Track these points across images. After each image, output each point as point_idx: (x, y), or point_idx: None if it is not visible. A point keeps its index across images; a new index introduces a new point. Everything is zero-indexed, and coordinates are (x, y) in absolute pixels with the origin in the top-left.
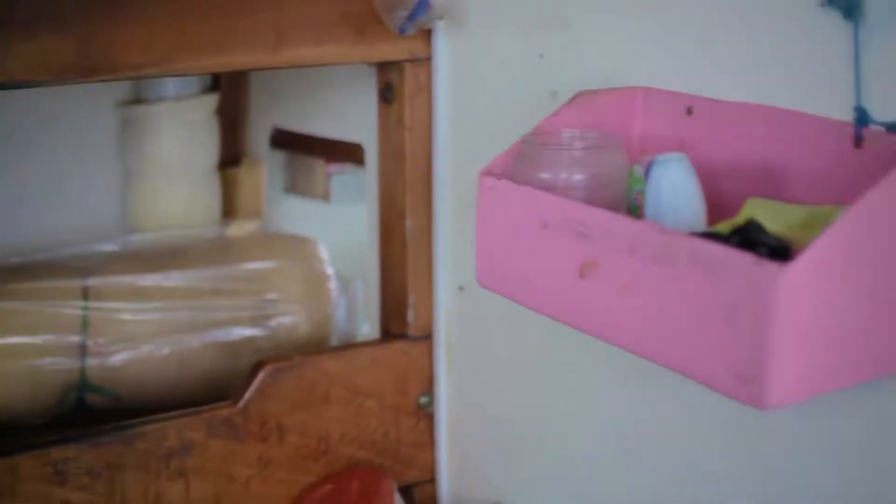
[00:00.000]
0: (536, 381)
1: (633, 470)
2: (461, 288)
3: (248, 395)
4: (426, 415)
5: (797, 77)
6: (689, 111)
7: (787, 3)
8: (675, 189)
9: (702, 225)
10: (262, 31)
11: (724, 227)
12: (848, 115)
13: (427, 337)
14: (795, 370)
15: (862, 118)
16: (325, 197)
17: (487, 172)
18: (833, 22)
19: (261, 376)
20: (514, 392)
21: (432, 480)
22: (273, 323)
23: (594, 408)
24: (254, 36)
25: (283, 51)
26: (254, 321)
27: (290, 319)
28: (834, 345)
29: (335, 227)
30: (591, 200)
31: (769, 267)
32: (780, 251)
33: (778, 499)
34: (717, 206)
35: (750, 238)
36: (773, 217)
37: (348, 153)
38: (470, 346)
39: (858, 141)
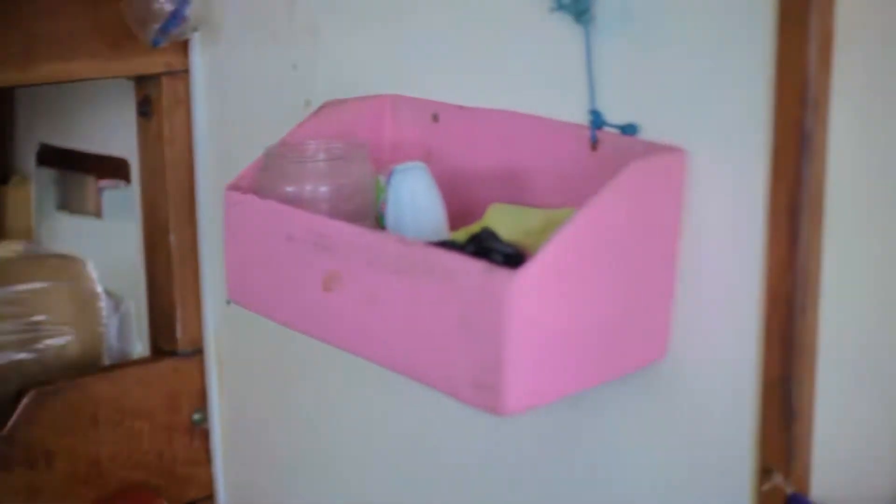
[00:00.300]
0: (303, 391)
1: (399, 476)
2: (229, 301)
3: (11, 422)
4: (201, 431)
5: (537, 82)
6: (436, 118)
7: (522, 9)
8: (415, 198)
9: (443, 233)
10: (11, 47)
11: (461, 234)
12: (585, 119)
13: (197, 352)
14: (532, 376)
15: (597, 121)
16: (98, 214)
17: (234, 186)
18: (566, 26)
19: (25, 402)
20: (284, 403)
21: (210, 497)
22: (42, 346)
23: (357, 417)
24: (1, 53)
25: (33, 67)
26: (22, 345)
27: (59, 341)
28: (571, 348)
29: (109, 244)
30: (337, 212)
31: (500, 274)
32: (514, 258)
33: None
34: (466, 211)
35: (484, 246)
36: (514, 222)
37: (117, 168)
38: (240, 359)
39: (594, 143)
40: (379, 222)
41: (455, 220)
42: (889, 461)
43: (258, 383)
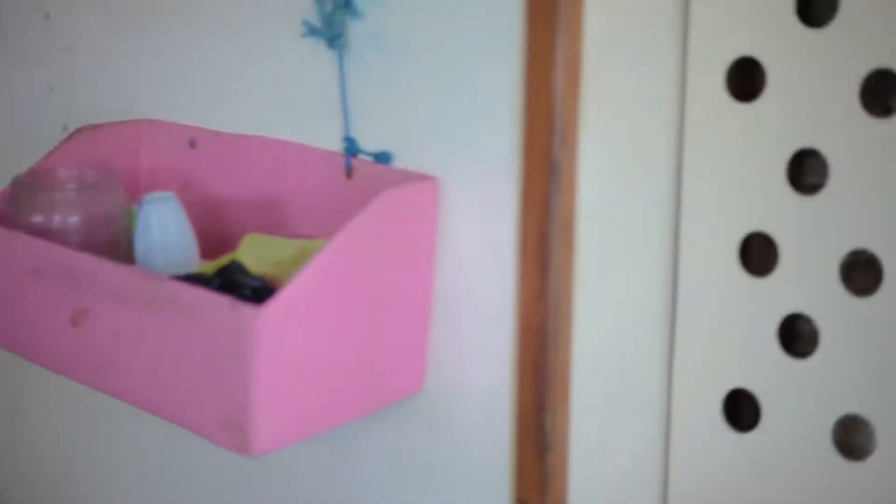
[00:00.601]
0: (51, 425)
1: None
2: None
3: None
4: None
5: (294, 108)
6: (193, 144)
7: (278, 33)
8: (164, 230)
9: (194, 266)
10: None
11: (210, 267)
12: (341, 146)
13: None
14: (283, 414)
15: (351, 148)
16: None
17: None
18: (321, 52)
19: None
20: (45, 440)
21: None
22: None
23: (109, 452)
24: None
25: None
26: None
27: None
28: (324, 383)
29: None
30: (88, 243)
31: (245, 310)
32: (263, 292)
33: None
34: (225, 241)
35: (233, 280)
36: (267, 253)
37: None
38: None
39: (349, 172)
40: (132, 254)
41: (214, 250)
42: (645, 488)
43: (18, 417)
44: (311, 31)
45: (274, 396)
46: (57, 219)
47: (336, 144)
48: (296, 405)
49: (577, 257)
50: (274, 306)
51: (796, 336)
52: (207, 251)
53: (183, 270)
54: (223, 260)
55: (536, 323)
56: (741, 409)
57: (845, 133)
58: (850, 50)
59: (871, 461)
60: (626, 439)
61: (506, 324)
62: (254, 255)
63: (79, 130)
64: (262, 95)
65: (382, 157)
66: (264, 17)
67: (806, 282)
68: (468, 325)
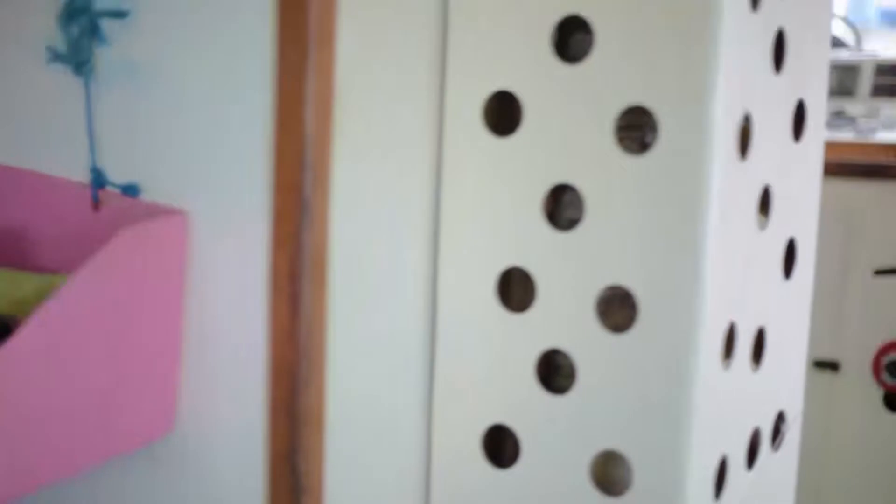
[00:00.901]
0: None
1: None
2: None
3: None
4: None
5: (40, 137)
6: None
7: (21, 57)
8: None
9: None
10: None
11: None
12: (87, 177)
13: None
14: (17, 461)
15: (98, 180)
16: None
17: None
18: (67, 80)
19: None
20: None
21: None
22: None
23: None
24: None
25: None
26: None
27: None
28: (62, 429)
29: None
30: None
31: None
32: (3, 331)
33: None
34: None
35: None
36: (7, 289)
37: None
38: None
39: (97, 204)
40: None
41: None
42: None
43: None
44: (56, 57)
45: (5, 443)
46: None
47: (84, 175)
48: (31, 451)
49: (329, 295)
50: (6, 349)
51: (556, 371)
52: None
53: None
54: None
55: (288, 362)
56: (504, 445)
57: (600, 169)
58: (604, 86)
59: (629, 496)
60: (385, 479)
61: (258, 364)
62: None
63: None
64: (6, 123)
65: (130, 190)
66: (6, 41)
67: (563, 317)
68: (220, 366)
